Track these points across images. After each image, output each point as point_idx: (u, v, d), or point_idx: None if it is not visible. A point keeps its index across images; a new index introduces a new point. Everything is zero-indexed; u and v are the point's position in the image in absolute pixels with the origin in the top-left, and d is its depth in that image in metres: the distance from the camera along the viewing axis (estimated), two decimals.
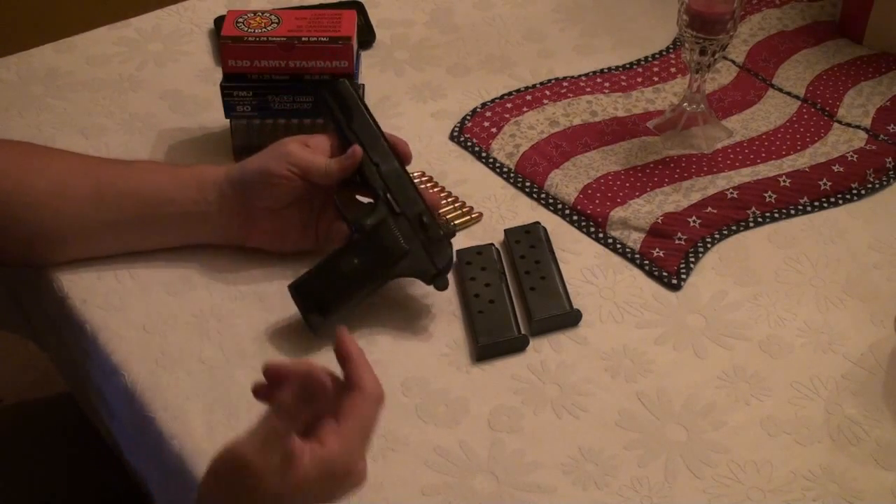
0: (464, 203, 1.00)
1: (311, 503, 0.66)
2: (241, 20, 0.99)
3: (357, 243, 0.87)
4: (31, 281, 0.95)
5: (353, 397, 0.67)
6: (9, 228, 0.87)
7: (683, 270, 0.93)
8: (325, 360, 0.84)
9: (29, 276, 0.95)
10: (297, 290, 0.86)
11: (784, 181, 1.02)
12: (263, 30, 0.98)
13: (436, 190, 1.01)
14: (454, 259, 0.90)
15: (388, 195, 0.88)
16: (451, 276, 0.90)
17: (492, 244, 0.94)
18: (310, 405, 0.66)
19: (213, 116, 1.08)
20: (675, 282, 0.92)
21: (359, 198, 0.92)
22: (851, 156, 1.06)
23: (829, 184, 1.03)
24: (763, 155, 1.07)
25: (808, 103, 1.14)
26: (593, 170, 1.04)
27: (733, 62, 1.20)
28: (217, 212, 0.89)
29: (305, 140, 0.89)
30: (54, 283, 0.90)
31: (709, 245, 0.96)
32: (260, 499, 0.64)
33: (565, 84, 1.15)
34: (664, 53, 1.22)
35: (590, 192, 1.01)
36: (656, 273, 0.93)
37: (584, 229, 0.98)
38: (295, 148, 0.87)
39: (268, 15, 1.00)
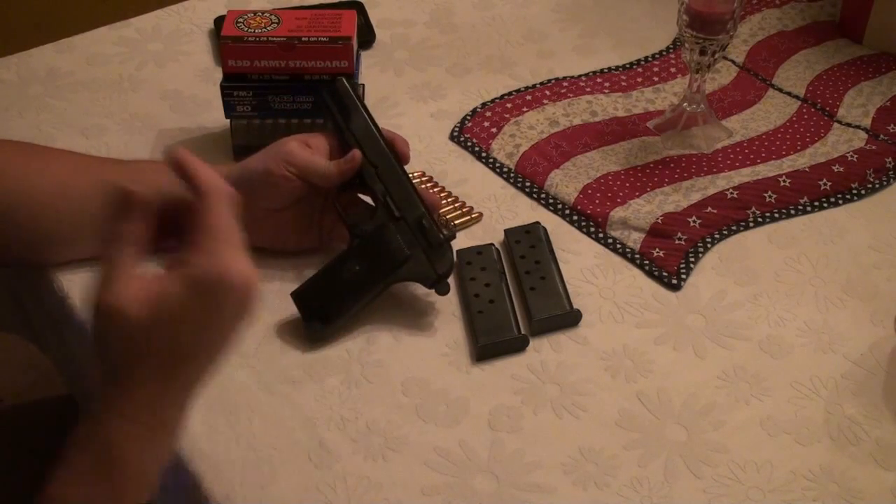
0: (464, 203, 1.00)
1: (191, 325, 0.61)
2: (241, 20, 0.99)
3: (358, 249, 0.87)
4: (31, 281, 0.95)
5: (201, 206, 0.63)
6: (9, 228, 0.87)
7: (683, 270, 0.93)
8: (327, 358, 0.85)
9: (29, 276, 0.95)
10: (299, 298, 0.86)
11: (784, 181, 1.02)
12: (263, 30, 0.98)
13: (436, 190, 1.01)
14: (454, 261, 0.90)
15: (388, 199, 0.87)
16: (451, 278, 0.90)
17: (492, 244, 0.94)
18: (131, 217, 0.61)
19: (213, 116, 1.08)
20: (675, 282, 0.92)
21: (360, 196, 0.92)
22: (851, 156, 1.06)
23: (829, 184, 1.03)
24: (763, 155, 1.07)
25: (808, 103, 1.14)
26: (593, 170, 1.04)
27: (733, 62, 1.20)
28: None
29: (306, 139, 0.89)
30: (54, 283, 0.90)
31: (709, 245, 0.96)
32: (133, 336, 0.60)
33: (565, 84, 1.15)
34: (664, 53, 1.22)
35: (590, 192, 1.01)
36: (656, 273, 0.93)
37: (584, 229, 0.98)
38: (295, 148, 0.87)
39: (268, 15, 1.00)
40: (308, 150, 0.88)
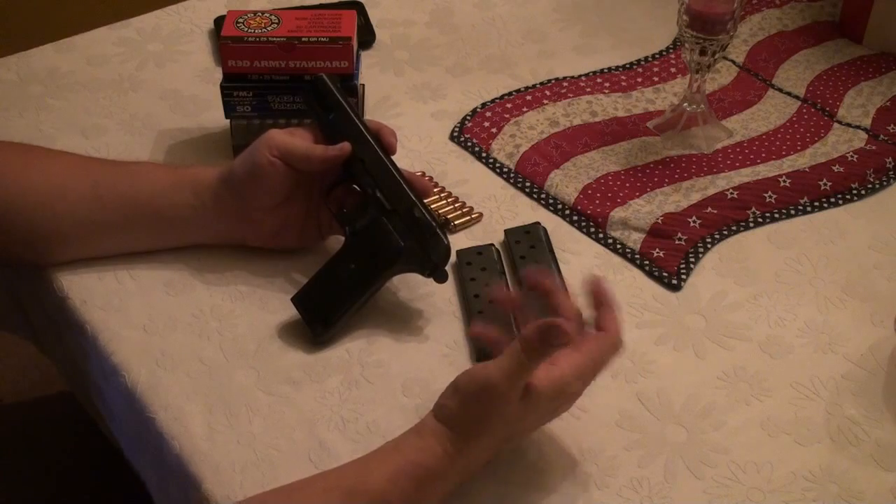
0: (464, 203, 1.00)
1: (536, 419, 0.75)
2: (241, 20, 0.99)
3: (352, 247, 0.87)
4: (31, 281, 0.95)
5: (596, 335, 0.75)
6: (8, 229, 0.87)
7: (683, 271, 0.93)
8: (327, 359, 0.84)
9: (29, 277, 0.95)
10: (300, 302, 0.86)
11: (784, 181, 1.02)
12: (263, 30, 0.98)
13: (436, 190, 1.01)
14: (451, 252, 0.89)
15: (378, 192, 0.87)
16: (451, 277, 0.90)
17: (492, 244, 0.94)
18: (552, 348, 0.70)
19: (213, 116, 1.08)
20: (675, 282, 0.92)
21: (355, 186, 0.92)
22: (851, 156, 1.06)
23: (829, 184, 1.03)
24: (763, 155, 1.07)
25: (808, 103, 1.14)
26: (593, 170, 1.04)
27: (733, 62, 1.20)
28: (214, 215, 0.89)
29: (291, 131, 0.89)
30: (54, 284, 0.90)
31: (709, 245, 0.96)
32: (496, 416, 0.71)
33: (565, 84, 1.15)
34: (664, 53, 1.22)
35: (590, 192, 1.01)
36: (656, 273, 0.93)
37: (584, 229, 0.98)
38: (276, 133, 0.87)
39: (268, 15, 1.00)
40: (290, 135, 0.88)
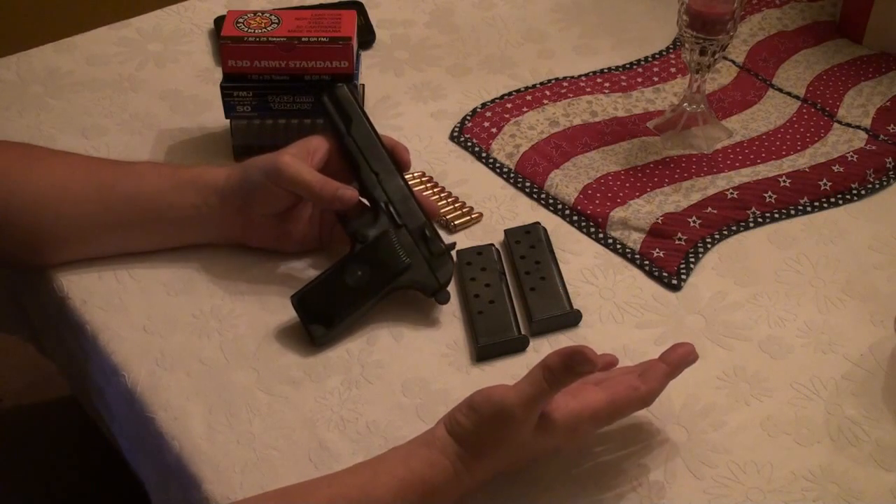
0: (464, 203, 1.00)
1: (543, 448, 0.74)
2: (241, 20, 0.99)
3: (360, 255, 0.87)
4: (31, 281, 0.95)
5: (626, 378, 0.74)
6: (9, 230, 0.87)
7: (683, 271, 0.93)
8: (327, 359, 0.84)
9: (29, 277, 0.95)
10: (300, 303, 0.86)
11: (784, 181, 1.02)
12: (263, 30, 0.98)
13: (436, 190, 1.01)
14: (454, 270, 0.90)
15: (390, 207, 0.88)
16: (451, 278, 0.90)
17: (492, 244, 0.94)
18: (574, 377, 0.70)
19: (213, 116, 1.08)
20: (675, 282, 0.92)
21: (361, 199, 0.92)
22: (851, 156, 1.06)
23: (829, 184, 1.03)
24: (763, 155, 1.07)
25: (808, 103, 1.14)
26: (593, 170, 1.04)
27: (733, 62, 1.20)
28: (218, 216, 0.89)
29: (306, 144, 0.88)
30: (54, 283, 0.90)
31: (709, 245, 0.96)
32: (508, 440, 0.71)
33: (565, 84, 1.15)
34: (664, 53, 1.22)
35: (590, 192, 1.01)
36: (656, 273, 0.93)
37: (584, 229, 0.98)
38: (287, 164, 0.85)
39: (268, 15, 1.00)
40: (302, 166, 0.86)
